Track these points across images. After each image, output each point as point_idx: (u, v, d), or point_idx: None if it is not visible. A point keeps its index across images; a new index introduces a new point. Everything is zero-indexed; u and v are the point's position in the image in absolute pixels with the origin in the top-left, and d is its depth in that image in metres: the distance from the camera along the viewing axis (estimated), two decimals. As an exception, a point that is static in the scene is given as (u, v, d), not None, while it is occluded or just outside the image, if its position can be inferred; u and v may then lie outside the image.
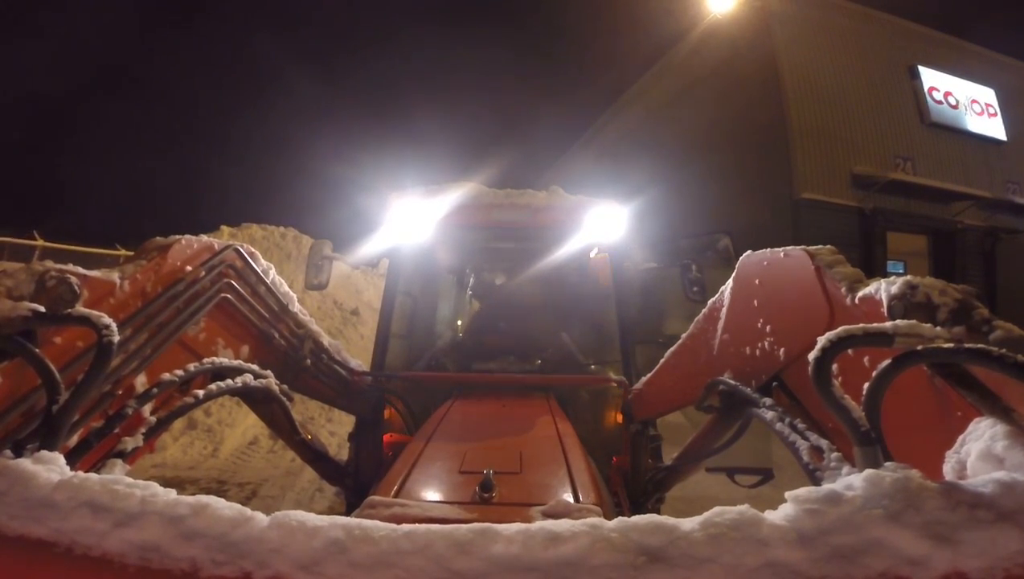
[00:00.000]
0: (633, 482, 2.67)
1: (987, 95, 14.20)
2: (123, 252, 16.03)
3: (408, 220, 2.94)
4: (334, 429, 6.87)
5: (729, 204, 13.90)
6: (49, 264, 1.07)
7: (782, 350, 1.31)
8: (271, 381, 1.64)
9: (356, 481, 2.71)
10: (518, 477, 1.42)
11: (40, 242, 13.60)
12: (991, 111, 14.19)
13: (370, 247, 3.18)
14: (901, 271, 13.47)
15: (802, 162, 12.41)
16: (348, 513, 2.81)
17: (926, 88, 13.47)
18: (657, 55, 18.13)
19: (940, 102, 13.62)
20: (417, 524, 0.59)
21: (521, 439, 1.77)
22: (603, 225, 3.01)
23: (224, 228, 12.27)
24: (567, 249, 3.13)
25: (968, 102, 13.94)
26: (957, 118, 13.77)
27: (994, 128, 14.13)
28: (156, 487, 0.64)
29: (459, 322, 3.97)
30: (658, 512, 2.68)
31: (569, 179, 26.58)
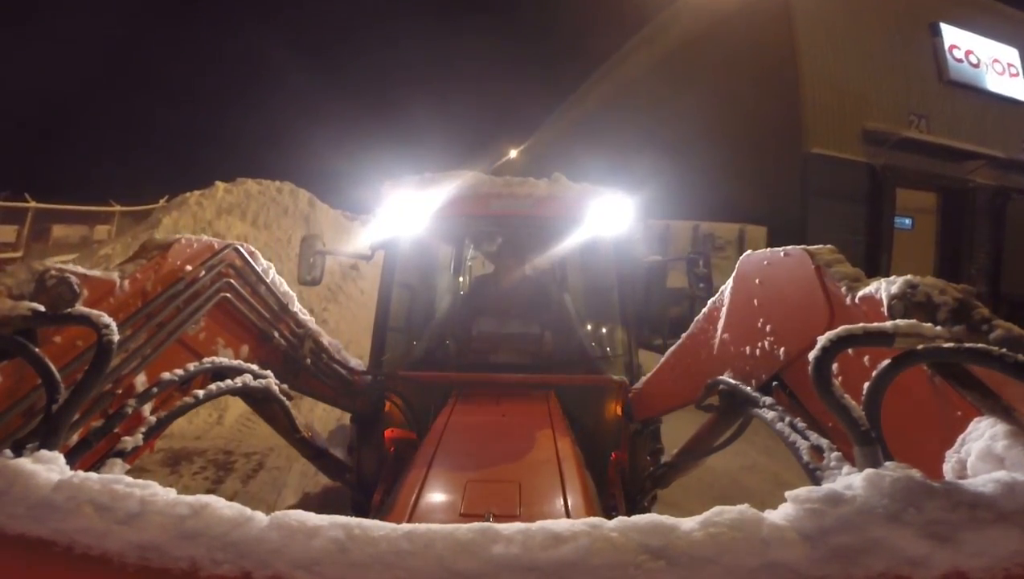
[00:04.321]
0: (631, 480, 2.68)
1: (1010, 55, 13.90)
2: (117, 208, 15.73)
3: (403, 211, 2.85)
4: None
5: (736, 158, 13.66)
6: (49, 263, 1.07)
7: (782, 350, 1.31)
8: (271, 381, 1.64)
9: (358, 477, 2.71)
10: (516, 520, 1.43)
11: (32, 204, 13.23)
12: (1013, 71, 13.89)
13: (364, 239, 3.10)
14: (908, 226, 13.35)
15: (812, 116, 12.15)
16: (353, 508, 2.83)
17: (947, 46, 13.17)
18: (662, 4, 17.35)
19: (960, 60, 13.34)
20: (417, 524, 0.59)
21: (520, 465, 1.80)
22: (607, 215, 2.91)
23: (219, 184, 11.96)
24: (570, 241, 3.11)
25: (990, 61, 13.67)
26: (977, 77, 13.52)
27: (1015, 88, 13.82)
28: (156, 487, 0.63)
29: (458, 313, 3.91)
30: (652, 510, 2.70)
31: (557, 145, 26.08)
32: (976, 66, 13.57)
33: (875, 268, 12.78)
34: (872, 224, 12.77)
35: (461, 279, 4.79)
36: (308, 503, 4.06)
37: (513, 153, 33.52)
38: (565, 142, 24.63)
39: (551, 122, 28.21)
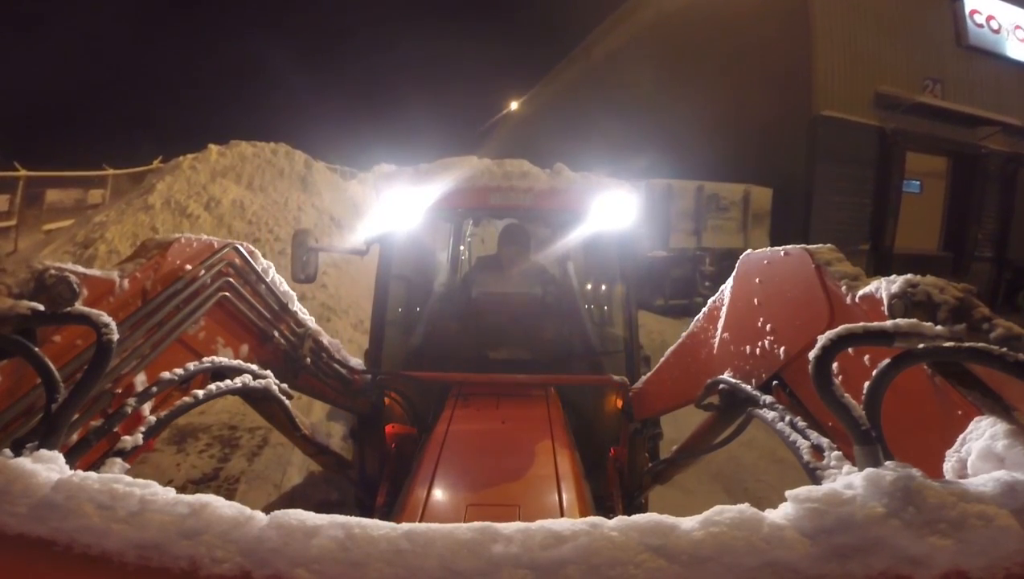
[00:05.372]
0: (629, 477, 2.68)
1: (1034, 21, 13.64)
2: (111, 172, 15.44)
3: (399, 207, 2.76)
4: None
5: (742, 118, 13.53)
6: (49, 263, 1.07)
7: (782, 349, 1.31)
8: (270, 381, 1.64)
9: (361, 475, 2.71)
10: None
11: (23, 173, 12.80)
12: (1035, 37, 13.63)
13: (359, 234, 3.04)
14: (917, 189, 13.30)
15: (823, 78, 12.02)
16: (356, 505, 2.82)
17: (967, 10, 13.02)
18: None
19: (981, 26, 13.19)
20: (417, 523, 0.59)
21: (519, 485, 1.84)
22: (609, 211, 2.81)
23: (212, 146, 11.84)
24: (571, 237, 3.08)
25: (1012, 27, 13.51)
26: (997, 43, 13.39)
27: (1036, 55, 13.56)
28: (156, 486, 0.63)
29: (456, 297, 3.88)
30: (645, 505, 2.71)
31: (557, 103, 25.35)
32: (997, 32, 13.39)
33: (881, 231, 12.75)
34: (880, 187, 12.68)
35: (462, 261, 4.78)
36: (313, 482, 4.07)
37: (514, 105, 33.39)
38: (566, 99, 24.15)
39: (550, 78, 27.70)
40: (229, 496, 4.01)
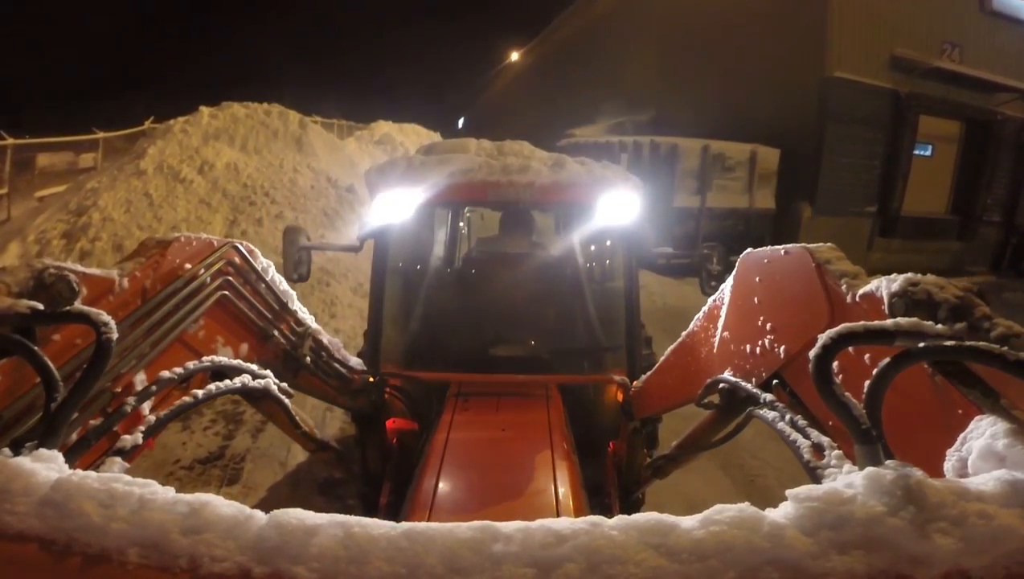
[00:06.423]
0: (627, 474, 2.69)
1: (1063, -12, 13.42)
2: (101, 135, 15.16)
3: (394, 203, 2.69)
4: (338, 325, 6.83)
5: (752, 75, 13.36)
6: (48, 261, 1.06)
7: (782, 348, 1.31)
8: (270, 380, 1.64)
9: (364, 472, 2.72)
10: None
11: (10, 141, 12.38)
12: (1063, 5, 13.42)
13: (354, 231, 2.96)
14: (928, 153, 13.16)
15: (838, 38, 11.81)
16: (359, 499, 2.82)
17: None
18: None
19: None
20: (416, 523, 0.59)
21: (518, 504, 1.88)
22: (612, 206, 2.70)
23: (203, 109, 11.62)
24: (572, 234, 3.06)
25: None
26: (1022, 9, 13.19)
27: (1064, 23, 13.38)
28: (155, 485, 0.63)
29: (454, 287, 3.82)
30: (642, 502, 2.72)
31: (560, 56, 24.76)
32: (1024, -3, 13.16)
33: (889, 194, 12.61)
34: (890, 150, 12.49)
35: (462, 236, 4.79)
36: (318, 462, 4.07)
37: (514, 56, 33.76)
38: (567, 54, 23.67)
39: (551, 31, 27.11)
40: (235, 476, 4.02)
